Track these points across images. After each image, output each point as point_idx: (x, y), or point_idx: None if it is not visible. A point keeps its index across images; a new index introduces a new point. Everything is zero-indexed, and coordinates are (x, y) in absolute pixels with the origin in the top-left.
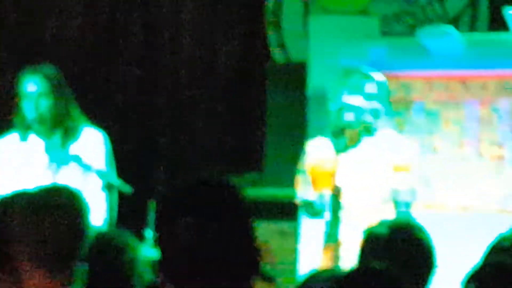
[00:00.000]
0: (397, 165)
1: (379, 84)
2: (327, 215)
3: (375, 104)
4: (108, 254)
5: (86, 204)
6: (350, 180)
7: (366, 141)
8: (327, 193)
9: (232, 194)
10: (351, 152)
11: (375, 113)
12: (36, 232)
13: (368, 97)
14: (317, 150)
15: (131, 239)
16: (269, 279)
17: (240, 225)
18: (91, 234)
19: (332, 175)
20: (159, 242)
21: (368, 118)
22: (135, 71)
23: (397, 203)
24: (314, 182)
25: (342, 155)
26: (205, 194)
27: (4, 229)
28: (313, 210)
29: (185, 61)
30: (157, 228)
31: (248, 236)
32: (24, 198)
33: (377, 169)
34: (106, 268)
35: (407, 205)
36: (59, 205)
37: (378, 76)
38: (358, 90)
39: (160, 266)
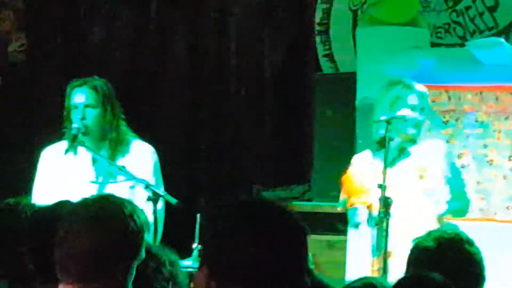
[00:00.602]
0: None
1: (421, 95)
2: (370, 228)
3: (417, 115)
4: (148, 267)
5: (137, 209)
6: (397, 192)
7: (412, 151)
8: (374, 204)
9: (286, 214)
10: (398, 164)
11: (417, 124)
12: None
13: (412, 108)
14: (361, 164)
15: (172, 255)
16: None
17: (293, 247)
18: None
19: (382, 184)
20: (209, 256)
21: (411, 130)
22: (181, 83)
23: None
24: (352, 194)
25: (389, 168)
26: (260, 212)
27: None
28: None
29: (232, 72)
30: (208, 243)
31: (299, 258)
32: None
33: (422, 180)
34: (146, 281)
35: (450, 212)
36: (109, 214)
37: (420, 87)
38: (401, 101)
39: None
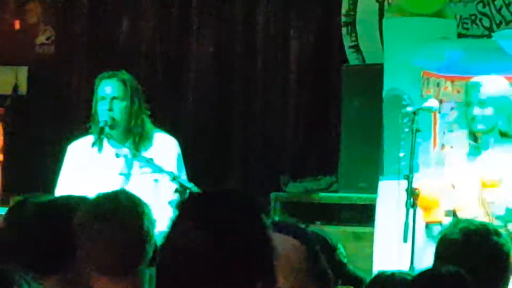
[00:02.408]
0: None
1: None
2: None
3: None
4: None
5: (147, 207)
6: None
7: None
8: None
9: (249, 207)
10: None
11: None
12: (99, 239)
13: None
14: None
15: None
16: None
17: (250, 237)
18: (159, 238)
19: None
20: (162, 246)
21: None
22: (207, 75)
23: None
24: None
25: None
26: (221, 203)
27: (69, 233)
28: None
29: (259, 63)
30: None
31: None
32: (86, 205)
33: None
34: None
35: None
36: (120, 211)
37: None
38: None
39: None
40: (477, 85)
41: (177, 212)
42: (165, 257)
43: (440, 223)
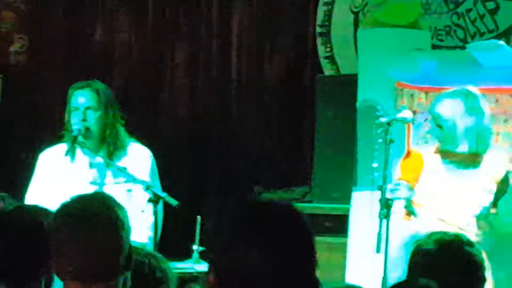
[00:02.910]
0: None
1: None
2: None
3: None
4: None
5: (123, 211)
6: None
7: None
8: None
9: (296, 216)
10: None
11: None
12: (71, 243)
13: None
14: (429, 157)
15: (162, 261)
16: None
17: (303, 248)
18: (134, 249)
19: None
20: (218, 260)
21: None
22: (182, 85)
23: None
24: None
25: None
26: (271, 215)
27: (43, 239)
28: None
29: (234, 74)
30: (215, 246)
31: (310, 260)
32: (60, 209)
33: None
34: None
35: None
36: (94, 215)
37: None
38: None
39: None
40: (437, 100)
41: (230, 231)
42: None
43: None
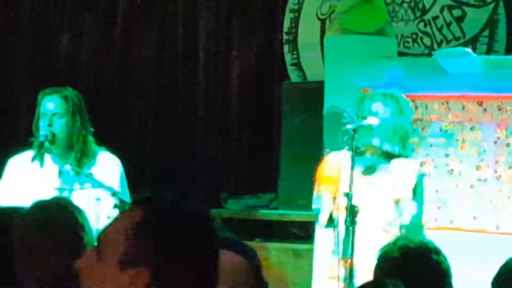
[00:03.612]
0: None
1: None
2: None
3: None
4: None
5: (83, 216)
6: (362, 199)
7: (381, 162)
8: (341, 213)
9: (203, 222)
10: (365, 172)
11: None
12: (34, 249)
13: (380, 118)
14: (337, 158)
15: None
16: None
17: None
18: None
19: (348, 192)
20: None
21: (376, 140)
22: (148, 93)
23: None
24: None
25: (357, 173)
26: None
27: (6, 245)
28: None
29: (201, 79)
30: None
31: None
32: (22, 214)
33: (385, 192)
34: None
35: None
36: (54, 220)
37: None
38: (371, 111)
39: None
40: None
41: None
42: None
43: None
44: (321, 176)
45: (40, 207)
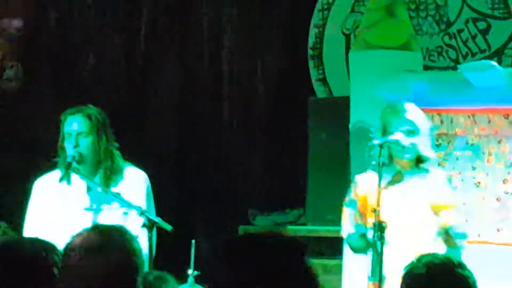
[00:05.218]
0: (443, 204)
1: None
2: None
3: (413, 140)
4: None
5: (138, 245)
6: (394, 216)
7: (410, 177)
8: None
9: (298, 252)
10: (396, 188)
11: (413, 149)
12: (85, 273)
13: (408, 133)
14: (366, 183)
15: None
16: None
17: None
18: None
19: (376, 209)
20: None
21: (407, 155)
22: (172, 111)
23: (455, 235)
24: (363, 216)
25: (386, 190)
26: (273, 247)
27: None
28: (361, 244)
29: (225, 96)
30: (212, 271)
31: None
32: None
33: (421, 206)
34: None
35: (463, 236)
36: (112, 246)
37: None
38: (398, 126)
39: None
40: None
41: (213, 256)
42: None
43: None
44: (366, 207)
45: (98, 231)
